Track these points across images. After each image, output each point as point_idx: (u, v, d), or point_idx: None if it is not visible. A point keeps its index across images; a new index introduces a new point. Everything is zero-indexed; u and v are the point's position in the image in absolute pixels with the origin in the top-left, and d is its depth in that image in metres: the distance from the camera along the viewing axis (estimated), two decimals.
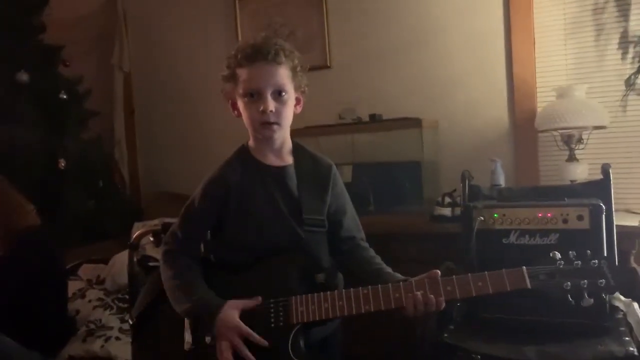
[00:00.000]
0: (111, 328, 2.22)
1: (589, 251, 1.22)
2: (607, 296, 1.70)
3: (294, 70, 1.37)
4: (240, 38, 3.22)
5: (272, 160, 1.41)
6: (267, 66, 1.32)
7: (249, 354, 1.25)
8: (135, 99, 3.68)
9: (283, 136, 1.40)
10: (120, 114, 3.60)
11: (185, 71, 3.44)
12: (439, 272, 1.26)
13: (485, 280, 1.22)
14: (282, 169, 1.41)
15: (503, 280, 1.22)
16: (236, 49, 1.36)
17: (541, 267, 1.22)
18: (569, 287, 1.20)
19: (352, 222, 1.47)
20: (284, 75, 1.34)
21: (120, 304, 2.40)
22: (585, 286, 1.19)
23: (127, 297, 2.38)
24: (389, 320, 2.26)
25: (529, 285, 1.21)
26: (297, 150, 1.45)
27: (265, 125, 1.34)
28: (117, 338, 2.16)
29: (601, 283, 1.19)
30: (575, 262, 1.21)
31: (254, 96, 1.33)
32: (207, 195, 1.39)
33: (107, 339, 2.14)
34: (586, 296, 1.20)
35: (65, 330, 2.21)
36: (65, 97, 3.08)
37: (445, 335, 1.73)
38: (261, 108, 1.31)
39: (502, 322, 1.76)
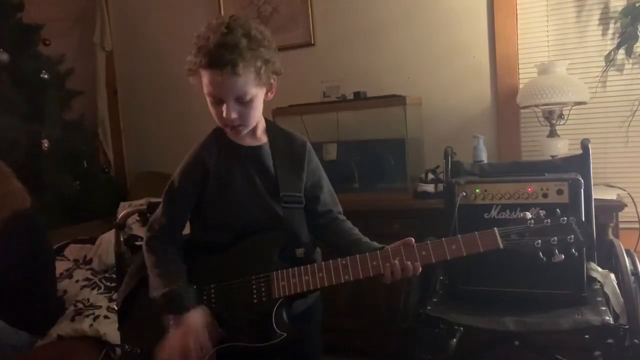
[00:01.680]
0: (99, 307, 2.23)
1: (558, 210, 1.24)
2: (585, 267, 1.76)
3: (257, 72, 1.27)
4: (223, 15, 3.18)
5: (247, 140, 1.41)
6: (225, 78, 1.24)
7: None
8: (117, 78, 3.65)
9: (254, 124, 1.37)
10: (103, 93, 3.57)
11: (167, 49, 3.39)
12: (412, 238, 1.28)
13: (459, 243, 1.24)
14: (258, 149, 1.41)
15: (476, 241, 1.24)
16: (198, 43, 1.28)
17: (512, 227, 1.24)
18: (539, 245, 1.22)
19: (329, 197, 1.48)
20: (244, 83, 1.26)
21: (108, 283, 2.41)
22: (555, 243, 1.22)
23: (114, 276, 2.40)
24: (372, 294, 2.34)
25: (501, 245, 1.22)
26: (271, 129, 1.45)
27: (229, 127, 1.33)
28: (106, 317, 2.17)
29: (570, 239, 1.21)
30: (545, 220, 1.23)
31: (216, 100, 1.30)
32: (185, 179, 1.39)
33: (96, 318, 2.16)
34: (557, 252, 1.22)
35: (53, 310, 2.23)
36: (46, 76, 3.03)
37: (428, 307, 1.78)
38: (224, 114, 1.28)
39: (482, 294, 1.81)
